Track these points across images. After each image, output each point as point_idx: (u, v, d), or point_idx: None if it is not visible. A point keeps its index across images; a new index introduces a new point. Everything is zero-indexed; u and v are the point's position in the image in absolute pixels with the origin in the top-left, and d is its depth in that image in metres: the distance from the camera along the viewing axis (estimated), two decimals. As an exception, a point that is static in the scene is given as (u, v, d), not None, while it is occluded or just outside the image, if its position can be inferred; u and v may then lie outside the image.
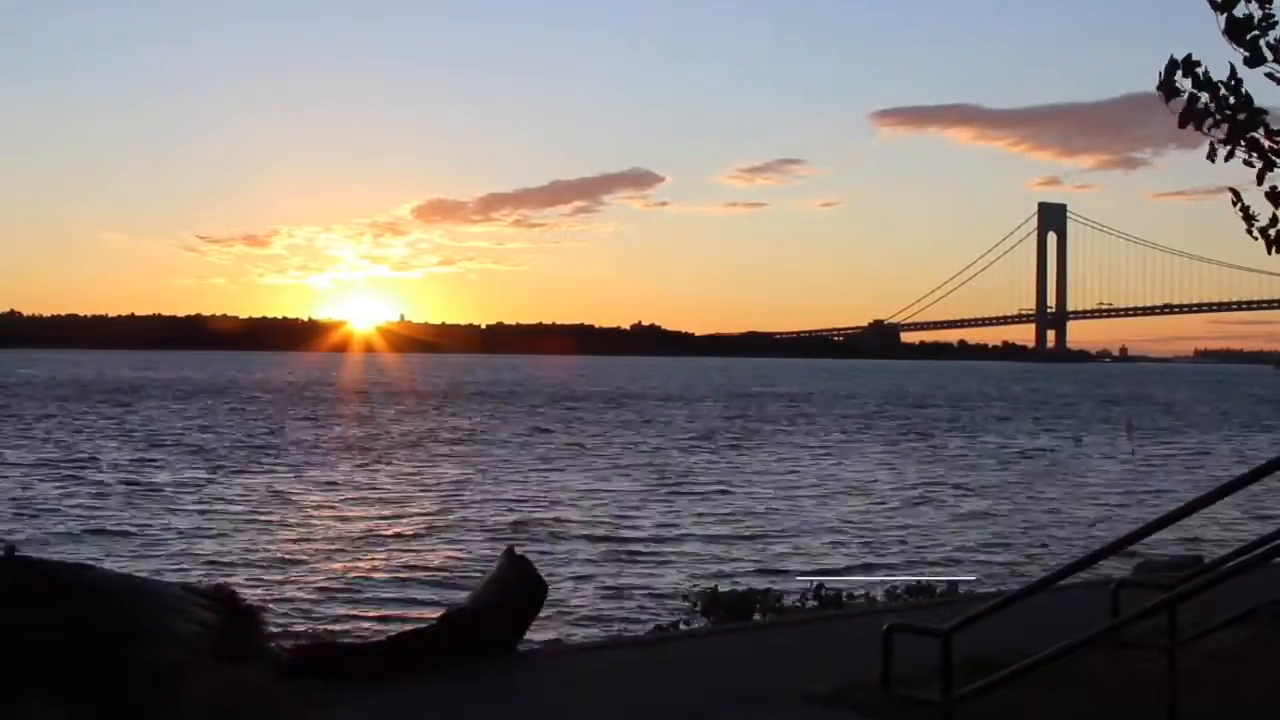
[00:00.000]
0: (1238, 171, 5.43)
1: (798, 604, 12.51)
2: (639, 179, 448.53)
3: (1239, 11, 5.07)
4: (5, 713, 6.19)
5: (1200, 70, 5.26)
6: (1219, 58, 5.28)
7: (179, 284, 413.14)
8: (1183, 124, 5.32)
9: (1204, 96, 5.29)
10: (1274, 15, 5.07)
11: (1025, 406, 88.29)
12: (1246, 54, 5.12)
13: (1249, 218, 5.49)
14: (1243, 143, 5.33)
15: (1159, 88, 5.27)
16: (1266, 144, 5.31)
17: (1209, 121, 5.33)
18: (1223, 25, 5.10)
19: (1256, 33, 5.09)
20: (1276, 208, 5.39)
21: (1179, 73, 5.26)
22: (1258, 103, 5.29)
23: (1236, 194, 5.51)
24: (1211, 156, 5.36)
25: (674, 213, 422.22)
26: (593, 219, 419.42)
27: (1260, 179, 5.36)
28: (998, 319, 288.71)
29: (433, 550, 22.38)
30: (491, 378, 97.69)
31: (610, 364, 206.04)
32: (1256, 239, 5.51)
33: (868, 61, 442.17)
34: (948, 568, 20.46)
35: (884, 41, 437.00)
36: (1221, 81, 5.25)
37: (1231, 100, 5.25)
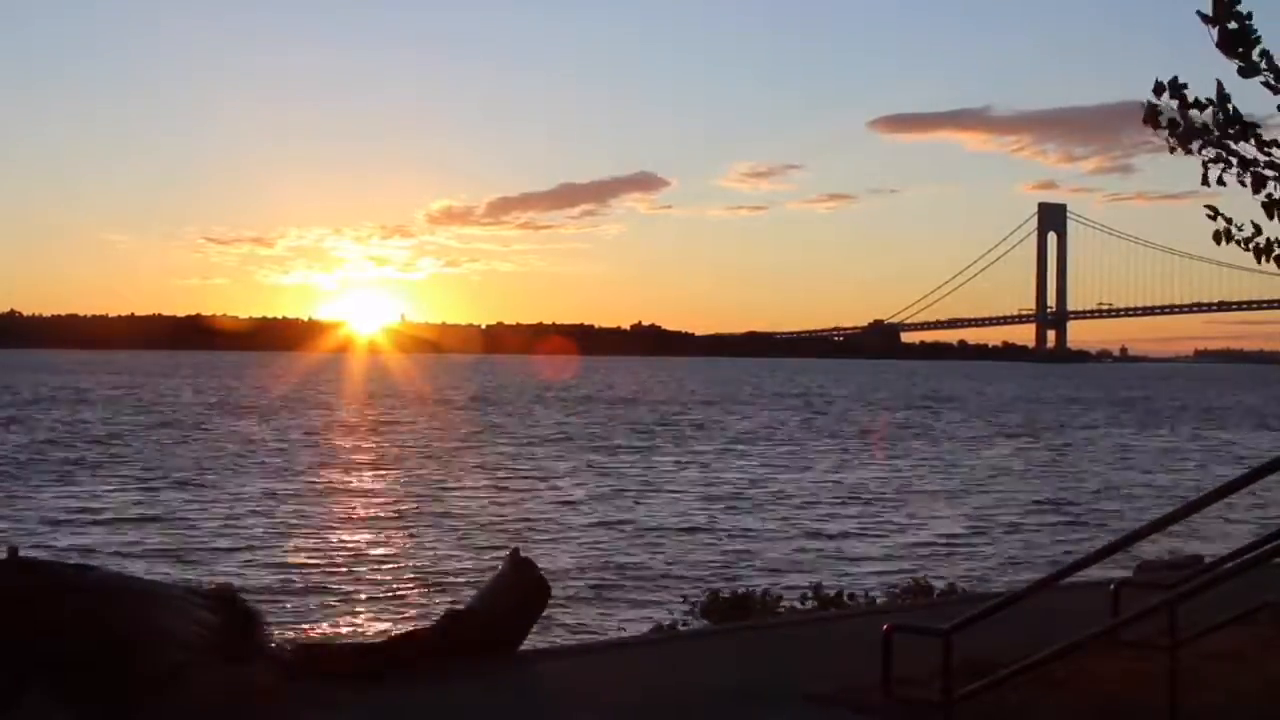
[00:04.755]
0: (1232, 185, 5.45)
1: (797, 604, 12.51)
2: (645, 182, 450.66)
3: (1232, 25, 5.09)
4: (8, 713, 6.20)
5: (1187, 93, 5.29)
6: (1216, 64, 5.30)
7: (182, 284, 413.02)
8: (1173, 150, 5.36)
9: (1194, 114, 5.31)
10: (1256, 30, 5.09)
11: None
12: (1241, 64, 5.14)
13: (1228, 233, 5.50)
14: (1234, 160, 5.35)
15: (1144, 120, 5.32)
16: (1261, 159, 5.33)
17: (1198, 143, 5.36)
18: (1215, 38, 5.12)
19: (1252, 40, 5.12)
20: (1272, 219, 5.40)
21: (1165, 94, 5.30)
22: (1252, 113, 5.32)
23: (1214, 210, 5.53)
24: (1206, 180, 5.39)
25: (678, 215, 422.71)
26: (599, 222, 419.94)
27: (1256, 190, 5.37)
28: (998, 319, 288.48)
29: (433, 552, 22.40)
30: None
31: (611, 365, 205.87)
32: (1245, 249, 5.52)
33: (870, 66, 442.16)
34: (948, 568, 20.46)
35: (886, 46, 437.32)
36: (1209, 99, 5.27)
37: (1220, 117, 5.27)
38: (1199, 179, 5.42)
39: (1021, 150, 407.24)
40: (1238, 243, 5.51)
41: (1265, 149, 5.34)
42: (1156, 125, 5.33)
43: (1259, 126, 5.32)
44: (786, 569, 20.69)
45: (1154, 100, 5.30)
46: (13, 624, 6.35)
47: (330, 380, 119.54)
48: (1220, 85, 5.21)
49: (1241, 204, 5.61)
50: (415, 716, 6.98)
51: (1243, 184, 5.38)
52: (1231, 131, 5.29)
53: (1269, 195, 5.40)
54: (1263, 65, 5.13)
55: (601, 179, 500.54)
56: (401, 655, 7.80)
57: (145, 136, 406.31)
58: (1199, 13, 5.14)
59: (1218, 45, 5.12)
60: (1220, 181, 5.42)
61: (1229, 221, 5.51)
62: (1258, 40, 5.10)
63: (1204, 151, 5.38)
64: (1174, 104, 5.32)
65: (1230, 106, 5.24)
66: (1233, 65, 5.17)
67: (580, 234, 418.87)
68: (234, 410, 67.72)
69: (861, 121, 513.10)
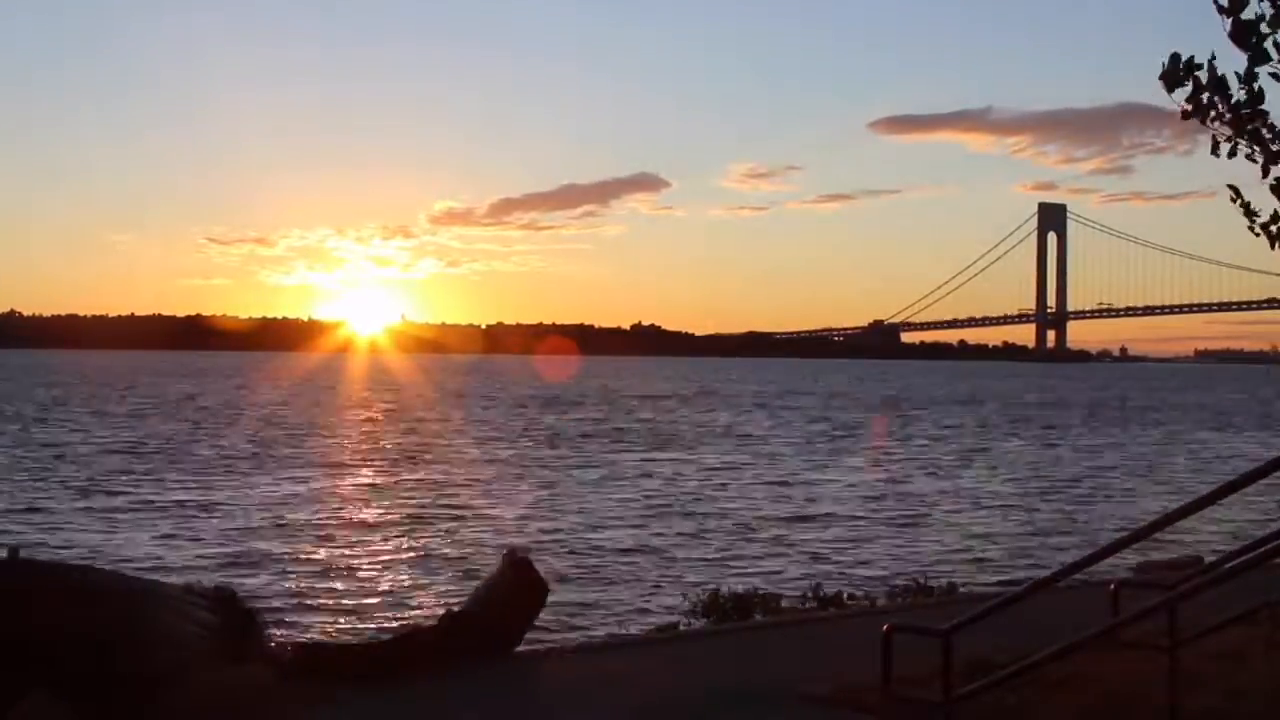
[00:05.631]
0: (1240, 168, 5.43)
1: (798, 604, 12.51)
2: (646, 183, 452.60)
3: (1246, 14, 5.07)
4: (9, 712, 6.20)
5: (1202, 72, 5.26)
6: (1218, 62, 5.28)
7: (183, 285, 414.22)
8: (1186, 117, 5.31)
9: (1206, 94, 5.28)
10: None
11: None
12: (1250, 54, 5.12)
13: (1250, 214, 5.49)
14: (1245, 137, 5.32)
15: (1161, 76, 5.26)
16: (1270, 138, 5.31)
17: (1212, 114, 5.33)
18: (1229, 29, 5.10)
19: (1264, 32, 5.10)
20: None
21: (1180, 72, 5.26)
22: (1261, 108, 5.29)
23: (1236, 191, 5.52)
24: (1215, 151, 5.36)
25: (679, 216, 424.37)
26: (601, 222, 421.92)
27: (1265, 173, 5.36)
28: (998, 319, 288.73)
29: (432, 551, 22.38)
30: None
31: (611, 365, 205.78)
32: (1259, 235, 5.51)
33: (870, 66, 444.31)
34: (948, 568, 20.45)
35: (886, 46, 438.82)
36: (1236, 74, 5.25)
37: (1237, 95, 5.24)
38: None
39: (1022, 151, 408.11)
40: (1253, 230, 5.49)
41: (1276, 132, 5.32)
42: (1175, 86, 5.26)
43: (1268, 114, 5.30)
44: (786, 569, 20.67)
45: (1170, 69, 5.22)
46: (13, 624, 6.35)
47: (329, 380, 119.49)
48: (1250, 63, 5.17)
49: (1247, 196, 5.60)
50: (415, 716, 6.98)
51: (1251, 160, 5.36)
52: (1245, 112, 5.26)
53: (1277, 179, 5.39)
54: (1275, 55, 5.11)
55: (603, 180, 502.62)
56: (401, 655, 7.80)
57: (146, 136, 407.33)
58: (1215, 2, 5.11)
59: (1230, 35, 5.10)
60: (1231, 154, 5.39)
61: (1248, 204, 5.50)
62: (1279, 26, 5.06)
63: (1216, 125, 5.35)
64: (1189, 84, 5.28)
65: (1256, 85, 5.21)
66: (1239, 64, 5.16)
67: (581, 234, 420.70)
68: (232, 411, 67.68)
69: (862, 122, 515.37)
